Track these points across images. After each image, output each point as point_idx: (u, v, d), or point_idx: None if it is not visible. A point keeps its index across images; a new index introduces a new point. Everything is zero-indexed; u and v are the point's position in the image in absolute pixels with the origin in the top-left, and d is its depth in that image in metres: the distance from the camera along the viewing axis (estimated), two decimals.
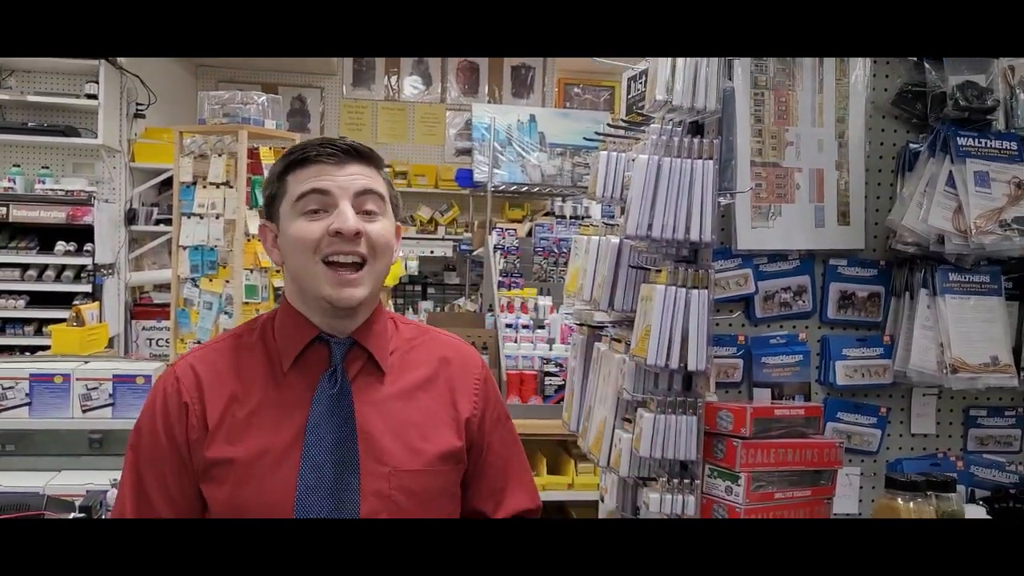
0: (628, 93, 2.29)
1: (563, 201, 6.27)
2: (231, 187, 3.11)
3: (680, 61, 1.71)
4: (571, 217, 5.96)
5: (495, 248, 5.56)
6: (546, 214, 6.53)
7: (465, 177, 6.78)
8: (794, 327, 1.98)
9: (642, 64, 2.18)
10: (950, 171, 1.86)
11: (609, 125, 2.20)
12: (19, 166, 5.55)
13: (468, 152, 7.27)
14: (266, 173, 3.25)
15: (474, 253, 6.53)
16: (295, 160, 1.33)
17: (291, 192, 1.32)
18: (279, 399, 1.31)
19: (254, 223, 3.15)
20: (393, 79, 8.32)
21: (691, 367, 1.70)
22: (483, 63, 8.42)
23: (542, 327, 4.47)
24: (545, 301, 4.72)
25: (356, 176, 1.31)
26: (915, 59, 1.94)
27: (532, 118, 6.24)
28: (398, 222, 1.41)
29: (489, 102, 8.22)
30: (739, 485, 1.69)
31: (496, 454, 1.49)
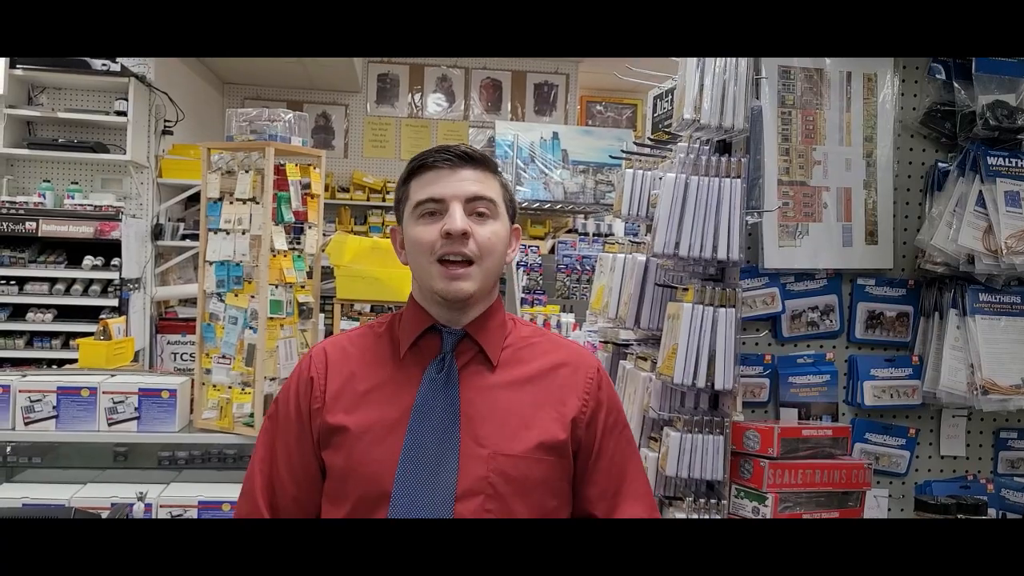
0: (654, 111, 2.30)
1: (586, 218, 6.27)
2: (257, 203, 3.13)
3: (708, 79, 1.71)
4: (594, 234, 5.96)
5: (518, 265, 5.57)
6: (569, 231, 6.54)
7: None
8: (821, 347, 1.97)
9: (668, 82, 2.18)
10: (980, 191, 1.84)
11: (635, 143, 2.21)
12: (49, 181, 5.64)
13: None
14: (292, 189, 3.29)
15: None
16: (416, 167, 1.45)
17: (412, 198, 1.43)
18: (394, 379, 1.43)
19: (280, 239, 3.18)
20: (416, 96, 8.37)
21: (718, 386, 1.69)
22: (506, 80, 8.45)
23: None
24: (568, 318, 4.71)
25: (468, 181, 1.41)
26: (944, 78, 1.93)
27: (555, 135, 6.24)
28: (516, 224, 1.50)
29: (512, 119, 8.24)
30: (766, 506, 1.68)
31: (609, 459, 1.47)
